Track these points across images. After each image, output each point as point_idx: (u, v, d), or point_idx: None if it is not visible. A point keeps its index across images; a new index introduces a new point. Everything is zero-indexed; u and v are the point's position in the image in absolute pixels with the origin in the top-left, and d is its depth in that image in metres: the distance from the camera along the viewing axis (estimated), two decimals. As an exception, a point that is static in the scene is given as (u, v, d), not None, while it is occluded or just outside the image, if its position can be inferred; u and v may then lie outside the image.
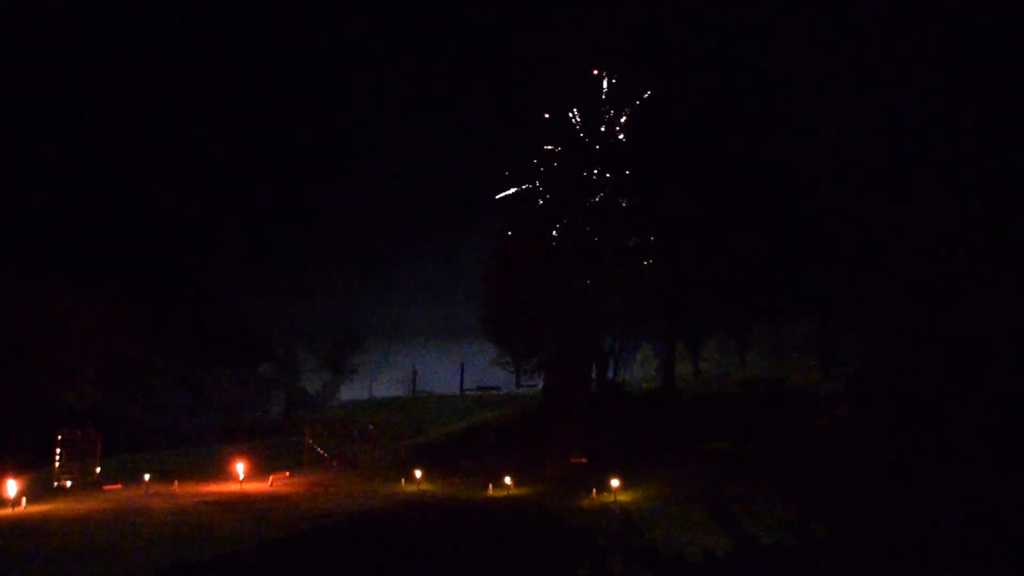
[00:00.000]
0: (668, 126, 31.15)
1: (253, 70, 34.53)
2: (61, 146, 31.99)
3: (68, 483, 24.20)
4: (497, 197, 33.69)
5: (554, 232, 33.09)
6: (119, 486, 24.35)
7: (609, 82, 32.20)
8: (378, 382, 46.48)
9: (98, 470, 25.53)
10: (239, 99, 34.59)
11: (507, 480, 23.02)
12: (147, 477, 24.46)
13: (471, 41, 35.92)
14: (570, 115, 32.55)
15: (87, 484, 24.49)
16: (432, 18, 36.07)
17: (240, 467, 25.46)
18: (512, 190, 33.47)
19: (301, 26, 34.75)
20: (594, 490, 21.42)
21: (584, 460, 26.76)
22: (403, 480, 24.80)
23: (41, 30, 31.25)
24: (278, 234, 36.16)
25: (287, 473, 27.54)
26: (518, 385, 42.66)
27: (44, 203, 31.46)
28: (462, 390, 47.44)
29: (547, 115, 32.79)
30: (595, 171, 32.36)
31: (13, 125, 31.09)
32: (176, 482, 24.57)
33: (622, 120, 32.01)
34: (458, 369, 48.06)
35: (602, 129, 32.48)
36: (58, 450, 24.99)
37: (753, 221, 30.04)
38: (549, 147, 32.77)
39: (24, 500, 20.52)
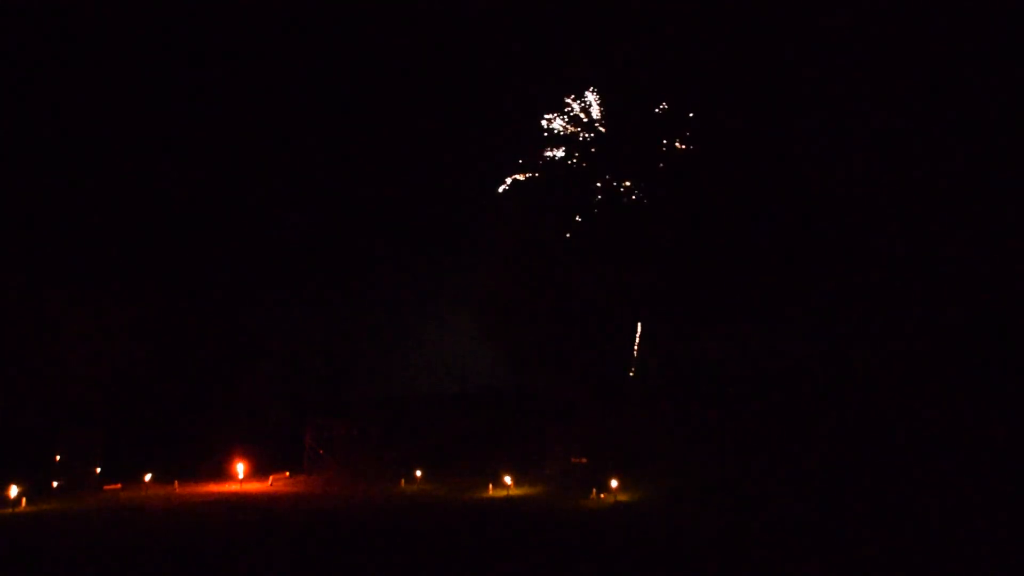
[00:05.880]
0: (668, 129, 31.23)
1: (253, 69, 34.50)
2: (61, 145, 31.98)
3: (68, 482, 24.17)
4: (500, 189, 33.65)
5: (555, 230, 33.09)
6: (119, 486, 24.34)
7: (610, 84, 32.22)
8: (378, 382, 46.37)
9: (98, 470, 25.51)
10: (236, 98, 34.60)
11: (507, 480, 23.01)
12: (147, 477, 24.45)
13: (473, 36, 35.90)
14: (571, 114, 32.55)
15: (87, 484, 24.47)
16: (437, 10, 35.97)
17: (240, 467, 25.46)
18: (510, 180, 33.42)
19: (296, 25, 34.70)
20: (594, 490, 21.43)
21: (584, 460, 26.75)
22: (403, 480, 24.79)
23: (41, 27, 31.22)
24: (278, 234, 36.15)
25: (287, 473, 27.53)
26: (517, 385, 42.58)
27: (44, 203, 31.44)
28: (462, 390, 47.33)
29: (548, 117, 32.77)
30: (596, 171, 32.40)
31: (13, 124, 31.10)
32: (176, 482, 24.56)
33: (624, 122, 32.06)
34: (458, 368, 47.92)
35: (603, 130, 32.48)
36: (58, 450, 24.99)
37: (750, 222, 30.11)
38: (551, 146, 32.77)
39: (24, 500, 20.53)
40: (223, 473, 26.56)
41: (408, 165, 37.34)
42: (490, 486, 22.87)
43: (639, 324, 34.22)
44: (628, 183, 32.40)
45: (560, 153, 32.96)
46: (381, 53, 36.40)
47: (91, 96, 32.32)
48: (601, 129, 32.68)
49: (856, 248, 29.71)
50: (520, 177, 33.58)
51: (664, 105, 31.84)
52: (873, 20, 28.39)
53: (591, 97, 32.55)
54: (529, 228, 33.52)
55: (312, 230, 36.90)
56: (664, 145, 31.90)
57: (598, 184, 32.75)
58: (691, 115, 31.74)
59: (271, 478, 25.98)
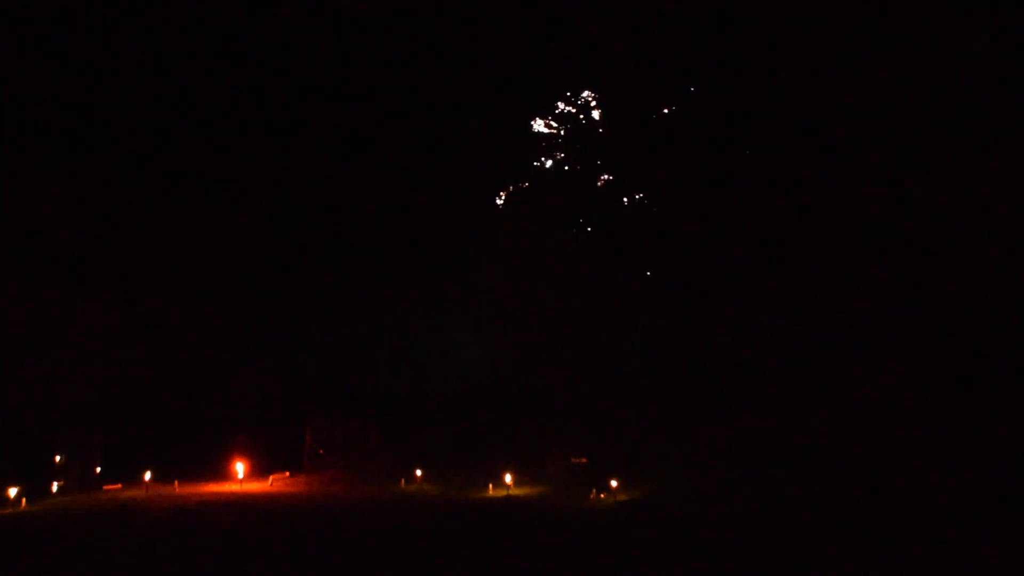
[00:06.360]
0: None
1: (255, 72, 34.50)
2: (61, 145, 31.95)
3: (68, 482, 24.17)
4: (502, 195, 33.69)
5: (556, 232, 33.07)
6: (119, 486, 24.37)
7: (610, 84, 32.16)
8: (379, 382, 46.25)
9: (98, 470, 25.51)
10: (238, 100, 34.59)
11: (507, 480, 23.03)
12: (147, 477, 24.45)
13: (472, 37, 35.92)
14: (567, 116, 32.52)
15: (87, 484, 24.48)
16: (429, 13, 35.97)
17: (240, 467, 25.46)
18: (511, 189, 33.45)
19: (297, 29, 34.70)
20: (594, 490, 21.45)
21: (584, 460, 26.78)
22: (403, 480, 24.81)
23: (39, 26, 31.20)
24: (278, 235, 36.09)
25: (287, 473, 27.55)
26: (517, 385, 42.57)
27: (44, 203, 31.42)
28: (463, 390, 47.22)
29: (544, 121, 32.76)
30: (596, 170, 32.38)
31: (13, 123, 31.07)
32: (176, 482, 24.57)
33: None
34: (459, 368, 47.80)
35: (601, 131, 32.44)
36: (58, 450, 25.01)
37: (751, 219, 30.08)
38: (547, 154, 32.75)
39: (24, 500, 20.53)
40: (223, 473, 26.56)
41: (411, 163, 37.26)
42: (490, 486, 22.89)
43: (639, 324, 34.23)
44: (628, 183, 32.40)
45: (560, 155, 32.95)
46: (384, 52, 36.35)
47: (91, 95, 32.28)
48: (600, 130, 32.64)
49: (857, 244, 29.69)
50: (524, 185, 33.61)
51: (666, 109, 31.84)
52: (876, 18, 28.35)
53: (589, 97, 32.52)
54: (530, 231, 33.52)
55: (312, 230, 36.84)
56: (665, 144, 31.88)
57: (598, 184, 32.75)
58: (690, 113, 31.71)
59: (271, 478, 25.99)
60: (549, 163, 33.05)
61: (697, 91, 31.32)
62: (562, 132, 32.84)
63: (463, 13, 35.32)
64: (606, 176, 32.65)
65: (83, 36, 31.80)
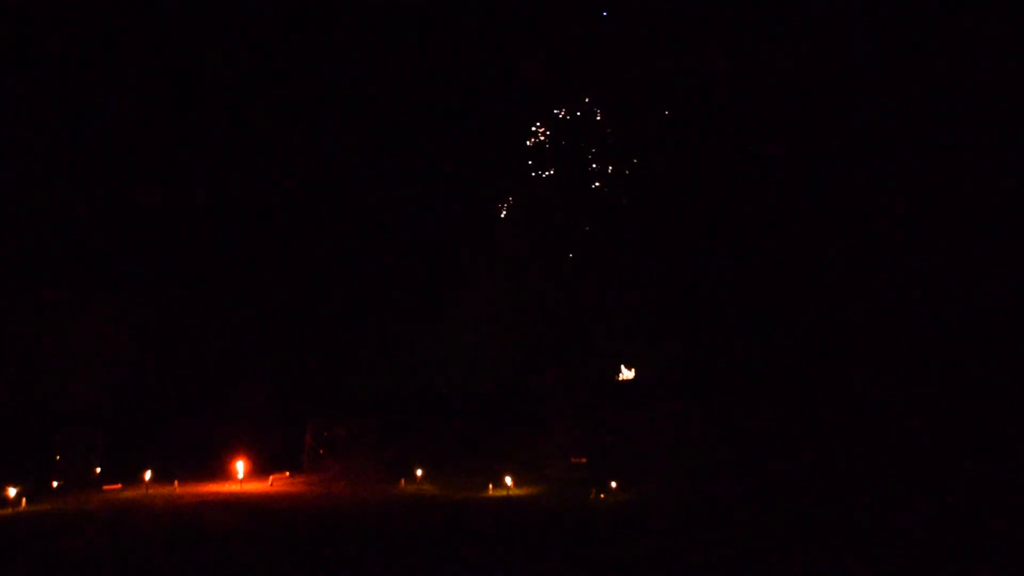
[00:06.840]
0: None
1: (254, 73, 34.42)
2: (62, 144, 31.95)
3: (68, 483, 24.18)
4: (507, 201, 33.83)
5: (555, 232, 33.12)
6: (119, 486, 24.36)
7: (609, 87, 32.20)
8: (379, 382, 46.11)
9: (98, 470, 25.51)
10: (238, 101, 34.54)
11: (507, 480, 23.02)
12: (147, 477, 24.45)
13: (473, 40, 35.89)
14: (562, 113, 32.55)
15: (87, 484, 24.48)
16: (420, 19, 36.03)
17: (240, 467, 25.46)
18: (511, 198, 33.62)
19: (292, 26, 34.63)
20: (594, 490, 21.46)
21: (584, 460, 26.81)
22: (403, 480, 24.81)
23: (40, 25, 31.20)
24: (278, 234, 36.06)
25: (287, 473, 27.55)
26: (517, 385, 42.56)
27: (44, 202, 31.42)
28: (463, 389, 47.18)
29: (538, 128, 32.83)
30: (596, 173, 32.42)
31: (12, 122, 31.06)
32: (176, 482, 24.57)
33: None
34: (459, 368, 47.73)
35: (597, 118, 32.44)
36: (58, 450, 25.02)
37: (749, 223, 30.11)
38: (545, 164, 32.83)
39: (24, 500, 20.53)
40: (223, 473, 26.56)
41: (412, 165, 37.23)
42: (490, 486, 22.87)
43: (640, 324, 34.27)
44: (627, 185, 32.44)
45: (560, 159, 32.98)
46: (386, 51, 36.33)
47: (90, 94, 32.28)
48: (598, 134, 32.67)
49: (857, 243, 29.70)
50: (525, 188, 33.68)
51: (666, 112, 31.88)
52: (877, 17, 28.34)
53: (588, 102, 32.55)
54: (530, 232, 33.58)
55: (313, 231, 36.84)
56: (663, 146, 31.93)
57: (597, 185, 32.78)
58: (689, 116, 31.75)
59: (271, 478, 25.98)
60: (550, 166, 33.11)
61: (695, 93, 31.35)
62: (562, 136, 32.89)
63: (465, 17, 35.35)
64: (606, 179, 32.71)
65: (80, 34, 31.79)
